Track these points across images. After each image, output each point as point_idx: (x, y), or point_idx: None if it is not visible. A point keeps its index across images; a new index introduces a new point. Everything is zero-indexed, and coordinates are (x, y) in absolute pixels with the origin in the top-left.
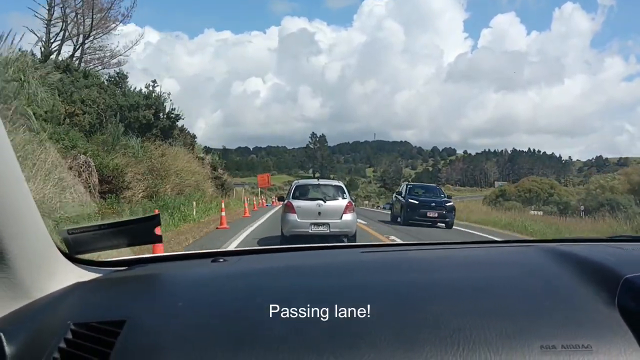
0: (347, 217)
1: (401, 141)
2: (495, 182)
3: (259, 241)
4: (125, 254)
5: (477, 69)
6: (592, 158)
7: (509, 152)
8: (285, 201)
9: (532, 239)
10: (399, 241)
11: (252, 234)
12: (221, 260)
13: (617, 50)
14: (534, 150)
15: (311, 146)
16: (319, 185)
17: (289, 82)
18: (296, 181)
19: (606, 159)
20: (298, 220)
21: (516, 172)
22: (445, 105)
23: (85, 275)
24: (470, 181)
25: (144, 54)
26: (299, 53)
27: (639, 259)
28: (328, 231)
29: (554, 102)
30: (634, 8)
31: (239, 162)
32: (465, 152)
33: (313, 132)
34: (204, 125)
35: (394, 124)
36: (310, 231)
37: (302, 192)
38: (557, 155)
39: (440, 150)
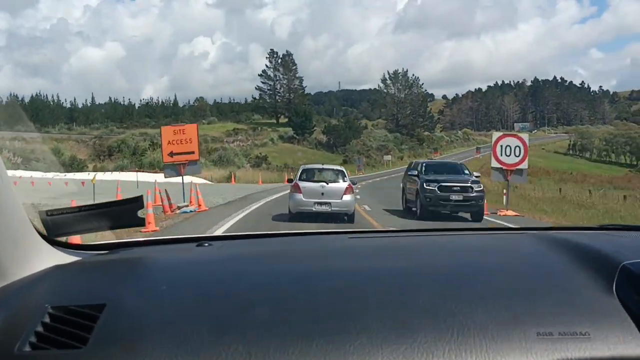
0: (347, 197)
1: (370, 89)
2: (515, 124)
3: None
4: (108, 238)
5: (428, 16)
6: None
7: (530, 82)
8: (293, 182)
9: (525, 227)
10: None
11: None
12: (206, 244)
13: None
14: (561, 79)
15: (270, 73)
16: (322, 169)
17: (239, 41)
18: (303, 165)
19: (614, 92)
20: (303, 199)
21: (541, 109)
22: (400, 58)
23: (64, 258)
24: (484, 124)
25: (83, 18)
26: (247, 9)
27: (636, 246)
28: (330, 210)
29: (509, 49)
30: None
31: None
32: (444, 97)
33: (272, 49)
34: (152, 91)
35: (348, 80)
36: (314, 209)
37: (308, 175)
38: (586, 86)
39: (402, 107)
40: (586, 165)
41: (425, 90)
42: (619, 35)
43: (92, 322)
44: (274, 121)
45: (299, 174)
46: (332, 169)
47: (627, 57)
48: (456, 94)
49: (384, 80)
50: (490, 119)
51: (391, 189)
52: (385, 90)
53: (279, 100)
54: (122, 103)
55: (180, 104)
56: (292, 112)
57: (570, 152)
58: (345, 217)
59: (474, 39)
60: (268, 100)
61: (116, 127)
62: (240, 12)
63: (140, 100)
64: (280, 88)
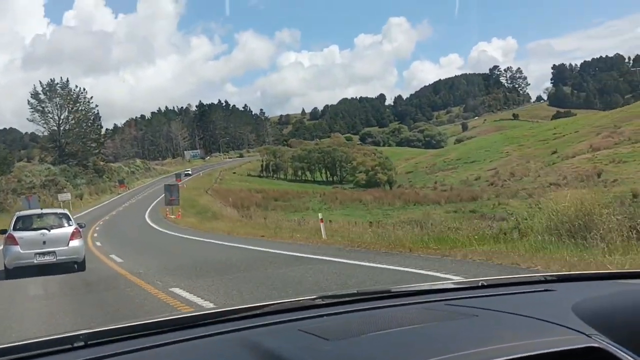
0: (75, 243)
1: (5, 128)
2: (186, 152)
3: None
4: None
5: (59, 51)
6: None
7: (195, 107)
8: (7, 233)
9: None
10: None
11: None
12: None
13: (202, 31)
14: (226, 103)
15: None
16: (42, 214)
17: None
18: (18, 212)
19: (266, 117)
20: (21, 251)
21: (210, 134)
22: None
23: None
24: (154, 152)
25: None
26: None
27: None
28: (55, 260)
29: (149, 84)
30: None
31: None
32: (114, 127)
33: None
34: None
35: None
36: (35, 262)
37: (25, 223)
38: (249, 109)
39: (67, 130)
40: (286, 186)
41: (96, 106)
42: (248, 70)
43: None
44: None
45: (13, 222)
46: (55, 213)
47: (257, 90)
48: (115, 125)
49: (35, 95)
50: (159, 148)
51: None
52: (40, 108)
53: None
54: None
55: None
56: None
57: (264, 173)
58: (75, 265)
59: (113, 74)
60: None
61: None
62: None
63: None
64: None
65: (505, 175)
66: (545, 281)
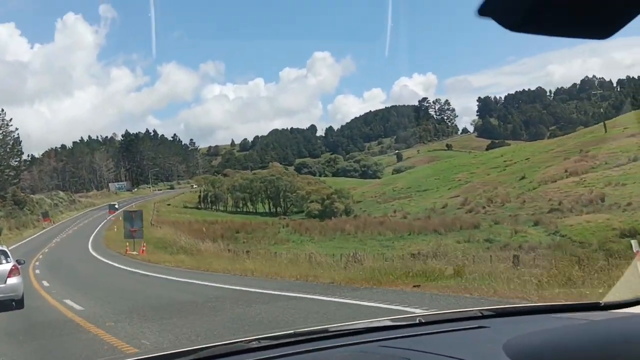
0: (13, 280)
1: None
2: (111, 185)
3: None
4: None
5: None
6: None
7: (121, 136)
8: None
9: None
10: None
11: None
12: None
13: (123, 62)
14: (154, 132)
15: None
16: None
17: None
18: None
19: (195, 148)
20: None
21: (138, 164)
22: None
23: None
24: (76, 185)
25: None
26: None
27: None
28: None
29: (67, 116)
30: (135, 22)
31: None
32: (32, 158)
33: None
34: None
35: None
36: None
37: None
38: (178, 139)
39: None
40: (231, 217)
41: (16, 129)
42: (171, 102)
43: None
44: None
45: None
46: None
47: (181, 122)
48: (32, 155)
49: None
50: (81, 180)
51: None
52: None
53: None
54: None
55: None
56: None
57: (202, 204)
58: (13, 303)
59: (27, 106)
60: None
61: None
62: None
63: None
64: None
65: (482, 202)
66: (482, 316)
